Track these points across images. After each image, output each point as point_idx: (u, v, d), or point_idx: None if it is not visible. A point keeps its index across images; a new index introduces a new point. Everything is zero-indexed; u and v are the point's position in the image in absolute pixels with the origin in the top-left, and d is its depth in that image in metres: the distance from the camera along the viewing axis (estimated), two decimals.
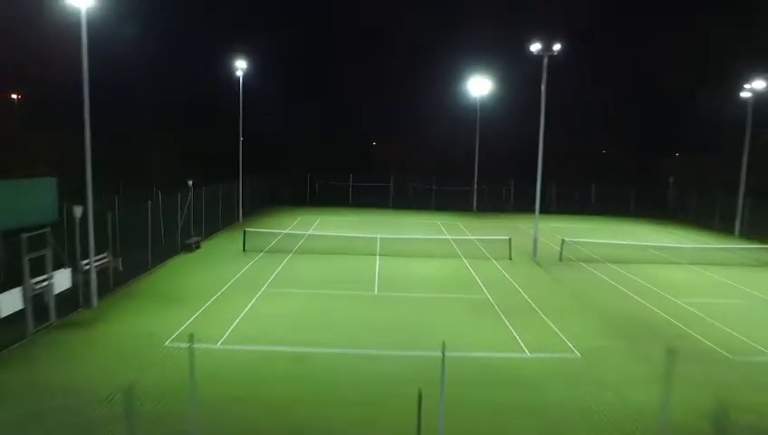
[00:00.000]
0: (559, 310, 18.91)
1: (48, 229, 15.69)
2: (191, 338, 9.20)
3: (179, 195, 26.69)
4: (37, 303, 15.16)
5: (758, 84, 37.84)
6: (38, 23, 40.46)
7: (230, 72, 36.64)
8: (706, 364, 14.77)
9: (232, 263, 24.49)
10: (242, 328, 16.29)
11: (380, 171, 51.79)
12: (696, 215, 44.81)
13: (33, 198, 30.95)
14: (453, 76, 55.92)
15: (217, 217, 32.35)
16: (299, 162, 54.25)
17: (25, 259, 14.61)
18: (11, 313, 14.27)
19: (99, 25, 18.77)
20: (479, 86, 47.38)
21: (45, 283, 15.52)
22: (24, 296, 14.58)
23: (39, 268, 15.33)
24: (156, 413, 11.00)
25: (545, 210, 45.77)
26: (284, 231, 31.70)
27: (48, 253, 15.61)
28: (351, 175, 50.74)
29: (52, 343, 14.59)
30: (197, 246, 27.23)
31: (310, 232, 32.06)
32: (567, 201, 50.22)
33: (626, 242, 32.32)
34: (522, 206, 47.07)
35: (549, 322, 17.63)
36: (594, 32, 63.26)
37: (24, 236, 14.69)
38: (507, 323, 17.41)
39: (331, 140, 64.96)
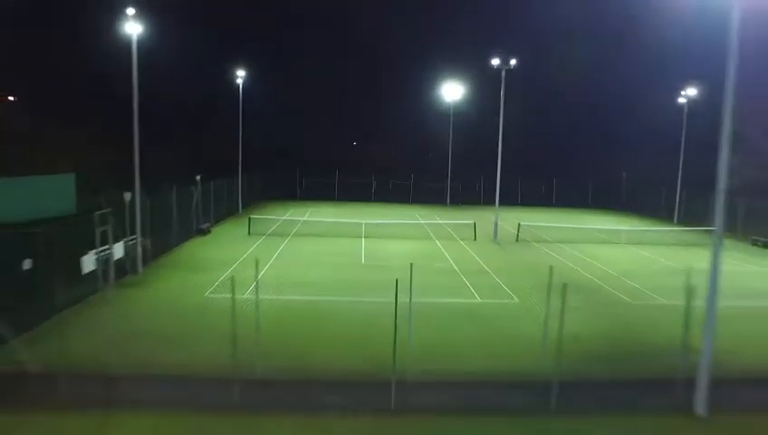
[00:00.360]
0: (507, 273, 24.05)
1: (110, 210, 20.23)
2: (232, 280, 13.36)
3: (193, 188, 31.29)
4: (102, 266, 19.72)
5: (691, 91, 43.74)
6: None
7: (229, 78, 41.37)
8: (612, 306, 19.97)
9: (241, 243, 29.22)
10: (261, 284, 21.02)
11: (363, 170, 57.13)
12: (645, 205, 50.52)
13: (53, 192, 35.47)
14: (428, 82, 61.45)
15: (222, 208, 36.98)
16: (288, 160, 59.10)
17: (97, 231, 19.19)
18: (88, 271, 18.84)
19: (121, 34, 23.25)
20: (452, 91, 52.54)
21: (108, 251, 20.08)
22: (97, 260, 19.16)
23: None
24: (209, 326, 15.75)
25: (513, 202, 51.43)
26: (283, 217, 36.54)
27: (109, 229, 20.15)
28: (337, 171, 55.52)
29: (118, 296, 19.16)
30: (209, 231, 31.84)
31: (304, 219, 36.86)
32: (533, 195, 55.80)
33: (575, 226, 37.64)
34: (491, 199, 52.15)
35: (497, 280, 22.77)
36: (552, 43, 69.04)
37: (96, 213, 19.26)
38: (465, 280, 22.50)
39: (316, 140, 70.15)
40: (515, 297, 20.51)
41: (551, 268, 14.21)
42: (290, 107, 70.10)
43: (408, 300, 13.09)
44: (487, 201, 53.20)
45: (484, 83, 57.46)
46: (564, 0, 64.74)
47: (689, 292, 12.19)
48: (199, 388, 12.54)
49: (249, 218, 33.17)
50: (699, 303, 12.19)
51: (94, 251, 19.19)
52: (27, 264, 16.66)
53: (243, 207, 42.32)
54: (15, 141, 46.83)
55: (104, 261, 19.77)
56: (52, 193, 34.73)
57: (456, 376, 13.52)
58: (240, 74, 40.74)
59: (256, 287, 13.55)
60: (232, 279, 13.29)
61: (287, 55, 77.05)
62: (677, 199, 44.81)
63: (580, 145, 70.17)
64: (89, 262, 18.80)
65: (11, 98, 59.50)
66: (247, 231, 32.20)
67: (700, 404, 11.84)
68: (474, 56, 62.61)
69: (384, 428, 11.16)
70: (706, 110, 40.90)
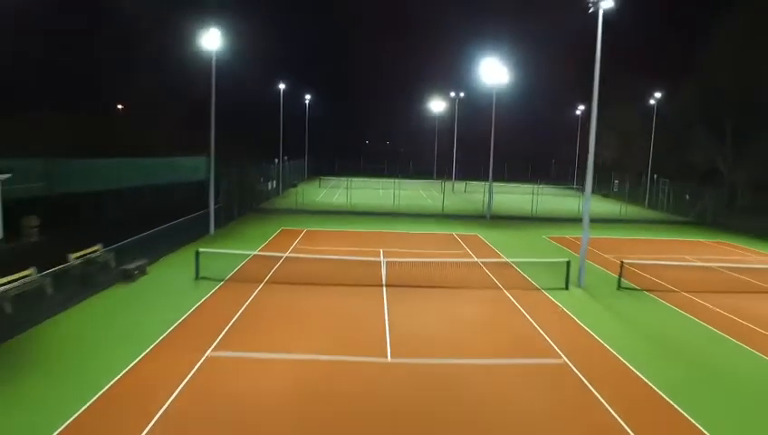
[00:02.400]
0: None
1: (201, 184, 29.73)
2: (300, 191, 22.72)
3: (271, 164, 41.67)
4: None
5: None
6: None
7: (269, 85, 51.25)
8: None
9: (315, 192, 40.30)
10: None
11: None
12: (626, 193, 58.86)
13: (191, 167, 47.61)
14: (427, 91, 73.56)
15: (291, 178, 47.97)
16: (323, 149, 72.36)
17: (211, 201, 28.70)
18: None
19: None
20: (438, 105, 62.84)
21: (216, 207, 29.57)
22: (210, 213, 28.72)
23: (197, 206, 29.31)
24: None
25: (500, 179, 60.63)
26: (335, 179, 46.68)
27: (211, 199, 29.64)
28: (361, 158, 67.14)
29: (223, 234, 28.57)
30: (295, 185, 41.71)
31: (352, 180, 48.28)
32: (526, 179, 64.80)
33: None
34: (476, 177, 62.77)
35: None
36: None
37: (212, 196, 28.80)
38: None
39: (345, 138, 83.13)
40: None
41: None
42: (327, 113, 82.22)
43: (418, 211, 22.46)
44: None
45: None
46: None
47: None
48: None
49: (319, 180, 44.42)
50: None
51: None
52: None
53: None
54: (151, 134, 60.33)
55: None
56: (189, 168, 49.38)
57: None
58: (280, 85, 50.50)
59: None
60: (301, 191, 22.50)
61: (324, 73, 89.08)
62: (647, 187, 53.23)
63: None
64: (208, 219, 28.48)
65: (119, 106, 71.90)
66: (319, 186, 43.94)
67: None
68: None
69: None
70: None
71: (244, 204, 37.74)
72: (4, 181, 23.96)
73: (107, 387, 11.16)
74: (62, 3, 56.11)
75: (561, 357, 13.86)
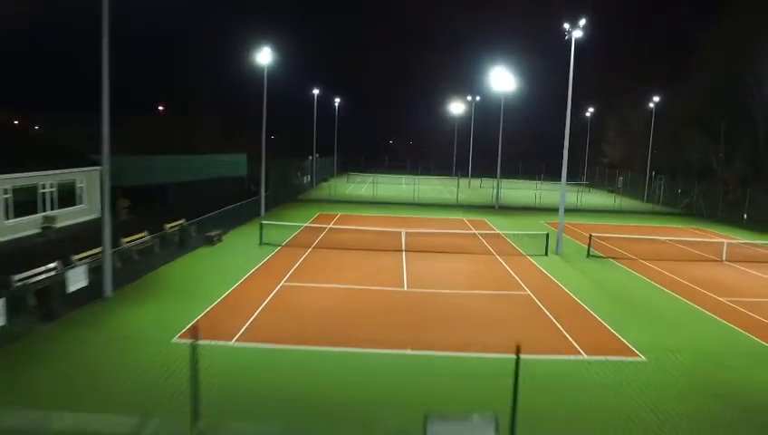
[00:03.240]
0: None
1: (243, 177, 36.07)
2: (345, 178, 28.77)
3: (305, 161, 47.92)
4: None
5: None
6: None
7: (305, 90, 57.70)
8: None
9: (345, 186, 46.64)
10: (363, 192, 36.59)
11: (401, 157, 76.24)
12: (629, 188, 63.85)
13: (233, 163, 54.56)
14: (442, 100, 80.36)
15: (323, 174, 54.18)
16: (351, 147, 79.18)
17: (262, 188, 35.05)
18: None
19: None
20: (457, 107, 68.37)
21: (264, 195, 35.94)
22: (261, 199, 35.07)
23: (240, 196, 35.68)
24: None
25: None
26: (361, 175, 52.76)
27: (262, 186, 35.96)
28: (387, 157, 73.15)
29: (271, 216, 34.84)
30: (326, 179, 48.07)
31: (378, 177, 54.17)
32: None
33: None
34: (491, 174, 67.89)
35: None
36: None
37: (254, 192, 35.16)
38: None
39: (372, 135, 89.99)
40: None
41: None
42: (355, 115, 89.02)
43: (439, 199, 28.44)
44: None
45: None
46: None
47: None
48: None
49: (347, 175, 50.51)
50: None
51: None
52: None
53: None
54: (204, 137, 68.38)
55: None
56: (231, 164, 56.83)
57: None
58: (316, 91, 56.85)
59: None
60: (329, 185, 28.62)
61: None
62: (646, 184, 58.16)
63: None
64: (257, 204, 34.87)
65: (160, 107, 79.77)
66: (346, 180, 49.98)
67: None
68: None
69: None
70: None
71: (285, 194, 44.18)
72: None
73: (217, 301, 17.25)
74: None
75: (526, 291, 19.69)
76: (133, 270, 20.18)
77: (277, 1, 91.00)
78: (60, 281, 15.83)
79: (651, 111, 58.56)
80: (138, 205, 33.98)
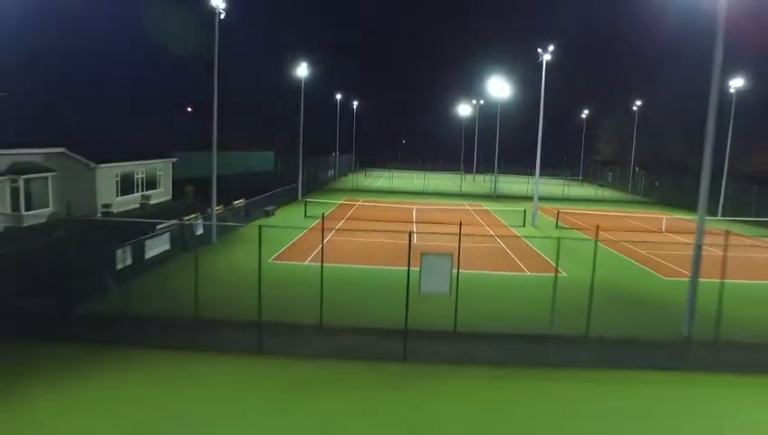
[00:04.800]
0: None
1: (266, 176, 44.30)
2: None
3: (329, 157, 55.82)
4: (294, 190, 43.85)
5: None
6: None
7: (327, 94, 65.90)
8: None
9: (363, 179, 53.52)
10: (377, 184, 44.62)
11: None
12: (617, 181, 71.34)
13: (262, 160, 63.57)
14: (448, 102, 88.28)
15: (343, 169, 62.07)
16: (368, 146, 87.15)
17: (299, 176, 43.29)
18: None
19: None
20: (464, 109, 75.90)
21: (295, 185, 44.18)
22: (298, 185, 43.31)
23: (271, 186, 43.94)
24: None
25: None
26: (377, 171, 60.69)
27: (300, 175, 44.17)
28: (399, 155, 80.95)
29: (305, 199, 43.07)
30: (346, 174, 56.26)
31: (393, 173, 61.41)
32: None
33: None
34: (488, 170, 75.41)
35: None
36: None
37: (284, 191, 43.42)
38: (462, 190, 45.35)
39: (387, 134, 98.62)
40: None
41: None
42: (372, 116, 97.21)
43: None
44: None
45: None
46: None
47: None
48: None
49: (365, 172, 57.76)
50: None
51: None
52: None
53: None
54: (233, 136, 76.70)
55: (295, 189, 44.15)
56: (260, 160, 66.75)
57: None
58: (337, 96, 65.03)
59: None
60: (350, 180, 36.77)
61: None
62: (630, 175, 65.63)
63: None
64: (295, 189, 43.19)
65: (189, 109, 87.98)
66: (364, 175, 56.89)
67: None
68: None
69: None
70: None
71: (314, 184, 52.47)
72: (173, 164, 39.12)
73: (286, 246, 25.40)
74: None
75: (500, 244, 27.67)
76: (219, 229, 28.47)
77: (305, 15, 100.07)
78: (189, 228, 24.06)
79: (637, 114, 66.05)
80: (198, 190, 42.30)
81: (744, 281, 21.99)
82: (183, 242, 22.97)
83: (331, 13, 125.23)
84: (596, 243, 16.68)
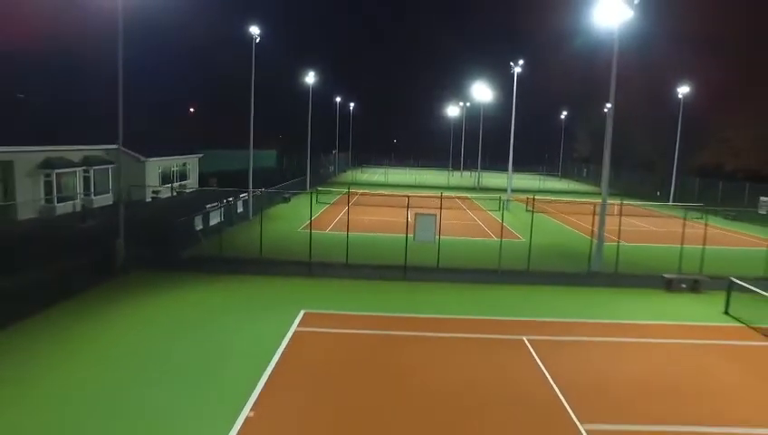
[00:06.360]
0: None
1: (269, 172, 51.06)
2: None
3: (329, 155, 62.43)
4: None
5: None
6: None
7: (331, 98, 72.59)
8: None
9: (360, 175, 60.19)
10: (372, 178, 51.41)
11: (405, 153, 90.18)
12: (591, 177, 78.51)
13: (264, 157, 69.68)
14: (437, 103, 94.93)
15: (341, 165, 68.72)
16: (364, 145, 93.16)
17: (308, 170, 50.05)
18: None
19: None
20: (453, 111, 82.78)
21: (302, 178, 50.89)
22: (306, 178, 50.04)
23: (274, 181, 50.67)
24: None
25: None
26: (372, 168, 67.56)
27: (308, 169, 50.88)
28: (392, 153, 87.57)
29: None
30: (344, 170, 63.00)
31: (387, 169, 68.02)
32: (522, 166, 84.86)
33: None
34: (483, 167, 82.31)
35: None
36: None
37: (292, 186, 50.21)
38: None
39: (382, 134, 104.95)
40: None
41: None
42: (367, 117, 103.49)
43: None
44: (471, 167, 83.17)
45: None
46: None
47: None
48: None
49: (362, 168, 64.53)
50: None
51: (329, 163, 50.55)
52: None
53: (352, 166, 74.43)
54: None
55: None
56: (263, 158, 70.03)
57: None
58: (337, 99, 71.80)
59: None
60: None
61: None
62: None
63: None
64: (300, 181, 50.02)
65: (191, 109, 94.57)
66: (360, 171, 63.69)
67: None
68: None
69: None
70: None
71: (317, 179, 59.20)
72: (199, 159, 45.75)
73: (307, 221, 32.12)
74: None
75: (477, 223, 34.59)
76: (254, 209, 35.18)
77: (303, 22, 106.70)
78: (234, 206, 30.72)
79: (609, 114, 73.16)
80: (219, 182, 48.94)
81: (647, 244, 29.11)
82: (230, 216, 29.66)
83: (327, 19, 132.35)
84: (532, 214, 23.39)
